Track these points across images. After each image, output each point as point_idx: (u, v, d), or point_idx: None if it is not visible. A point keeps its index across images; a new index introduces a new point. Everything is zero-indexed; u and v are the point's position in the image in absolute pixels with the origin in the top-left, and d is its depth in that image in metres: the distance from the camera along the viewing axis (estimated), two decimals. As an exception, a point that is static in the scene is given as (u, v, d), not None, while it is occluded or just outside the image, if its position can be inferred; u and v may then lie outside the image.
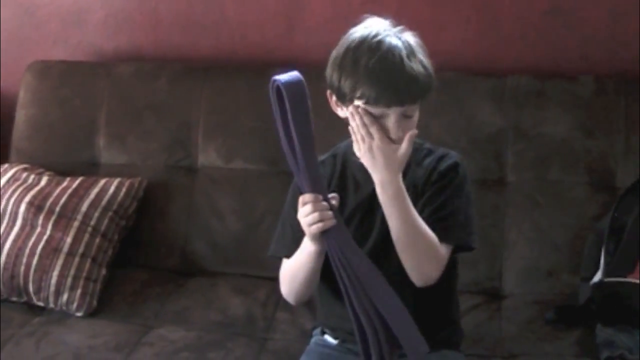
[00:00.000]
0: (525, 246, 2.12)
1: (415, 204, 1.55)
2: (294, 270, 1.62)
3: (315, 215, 1.43)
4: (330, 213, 1.44)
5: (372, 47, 1.51)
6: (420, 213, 1.55)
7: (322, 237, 1.46)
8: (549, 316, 1.98)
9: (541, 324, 1.97)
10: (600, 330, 1.88)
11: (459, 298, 1.73)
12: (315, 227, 1.44)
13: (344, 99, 1.54)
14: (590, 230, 2.07)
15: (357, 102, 1.51)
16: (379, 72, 1.49)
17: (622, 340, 1.83)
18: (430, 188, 1.59)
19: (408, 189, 1.54)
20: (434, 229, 1.54)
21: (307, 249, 1.53)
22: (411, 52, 1.52)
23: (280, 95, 1.41)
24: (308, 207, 1.44)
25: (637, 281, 1.88)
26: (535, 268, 2.11)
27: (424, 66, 1.53)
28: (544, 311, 2.00)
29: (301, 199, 1.46)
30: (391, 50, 1.50)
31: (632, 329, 1.86)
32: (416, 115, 1.55)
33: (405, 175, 1.56)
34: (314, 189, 1.44)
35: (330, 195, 1.47)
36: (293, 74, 1.41)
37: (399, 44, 1.52)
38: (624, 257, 1.92)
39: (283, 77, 1.40)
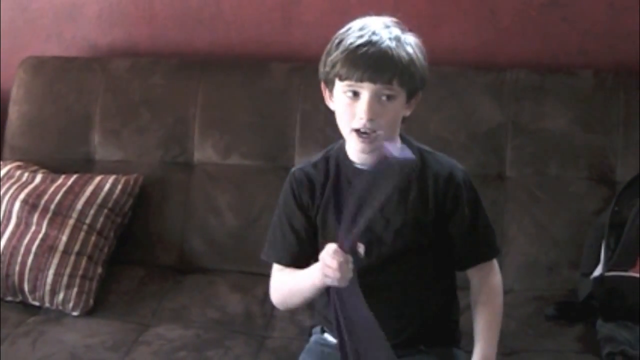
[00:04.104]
0: (525, 241, 2.12)
1: (425, 211, 1.58)
2: (291, 292, 1.62)
3: (338, 274, 1.43)
4: (350, 276, 1.44)
5: (357, 31, 1.52)
6: (452, 229, 1.60)
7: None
8: (550, 312, 1.97)
9: (541, 319, 1.97)
10: (601, 325, 1.88)
11: (458, 295, 1.73)
12: (331, 281, 1.45)
13: (327, 81, 1.55)
14: (590, 225, 2.06)
15: (336, 82, 1.52)
16: (355, 48, 1.49)
17: (623, 335, 1.83)
18: (453, 203, 1.59)
19: (419, 195, 1.57)
20: (478, 246, 1.62)
21: (312, 281, 1.52)
22: (397, 40, 1.51)
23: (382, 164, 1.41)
24: (335, 264, 1.43)
25: (638, 276, 1.88)
26: (535, 263, 2.11)
27: (408, 54, 1.51)
28: (544, 307, 1.99)
29: (333, 250, 1.44)
30: (375, 34, 1.50)
31: (633, 325, 1.85)
32: (396, 106, 1.52)
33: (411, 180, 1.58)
34: (350, 250, 1.45)
35: (360, 249, 1.47)
36: (407, 153, 1.43)
37: (386, 31, 1.51)
38: (624, 252, 1.92)
39: (400, 153, 1.42)
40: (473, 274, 1.64)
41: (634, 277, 1.88)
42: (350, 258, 1.44)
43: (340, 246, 1.45)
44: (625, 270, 1.90)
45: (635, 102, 2.15)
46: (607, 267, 1.92)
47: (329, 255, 1.44)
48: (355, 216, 1.42)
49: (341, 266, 1.43)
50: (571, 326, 1.94)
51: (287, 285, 1.63)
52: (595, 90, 2.18)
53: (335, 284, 1.45)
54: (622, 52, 2.28)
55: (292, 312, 1.99)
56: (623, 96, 2.17)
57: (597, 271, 1.95)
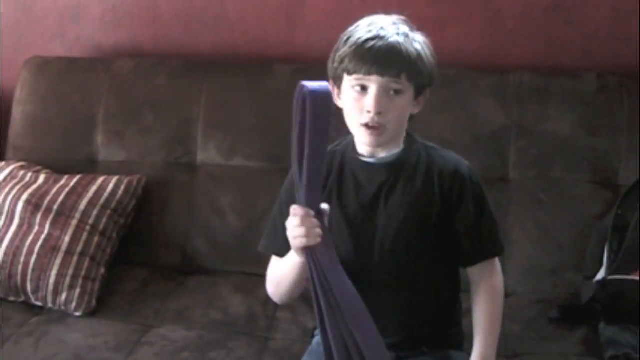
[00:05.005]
0: (528, 244, 2.12)
1: (430, 206, 1.57)
2: (279, 278, 1.63)
3: (302, 230, 1.43)
4: (317, 231, 1.43)
5: (366, 27, 1.52)
6: (457, 224, 1.59)
7: (305, 252, 1.45)
8: (553, 315, 1.97)
9: (544, 322, 1.97)
10: (604, 329, 1.88)
11: (461, 297, 1.73)
12: (299, 242, 1.44)
13: (336, 77, 1.55)
14: (593, 228, 2.06)
15: (345, 78, 1.52)
16: (363, 42, 1.50)
17: (626, 338, 1.83)
18: (458, 198, 1.59)
19: (424, 190, 1.57)
20: (482, 242, 1.60)
21: (291, 259, 1.53)
22: (405, 36, 1.51)
23: (305, 102, 1.39)
24: (297, 220, 1.43)
25: (641, 279, 1.88)
26: (538, 266, 2.11)
27: (416, 49, 1.51)
28: (548, 310, 1.99)
29: (292, 209, 1.45)
30: (383, 29, 1.51)
31: (636, 328, 1.85)
32: (404, 101, 1.52)
33: (414, 173, 1.57)
34: (309, 203, 1.43)
35: (322, 206, 1.45)
36: (323, 84, 1.38)
37: (394, 27, 1.52)
38: (628, 256, 1.91)
39: (312, 85, 1.38)
40: (475, 273, 1.64)
41: (637, 281, 1.88)
42: (311, 212, 1.42)
43: (299, 203, 1.43)
44: (628, 274, 1.90)
45: (638, 105, 2.15)
46: (610, 271, 1.92)
47: (291, 216, 1.44)
48: (301, 165, 1.41)
49: (303, 220, 1.42)
50: (574, 329, 1.93)
51: (276, 272, 1.63)
52: (599, 93, 2.18)
53: (304, 242, 1.42)
54: (626, 55, 2.28)
55: (295, 314, 1.99)
56: (626, 99, 2.17)
57: (600, 274, 1.95)
